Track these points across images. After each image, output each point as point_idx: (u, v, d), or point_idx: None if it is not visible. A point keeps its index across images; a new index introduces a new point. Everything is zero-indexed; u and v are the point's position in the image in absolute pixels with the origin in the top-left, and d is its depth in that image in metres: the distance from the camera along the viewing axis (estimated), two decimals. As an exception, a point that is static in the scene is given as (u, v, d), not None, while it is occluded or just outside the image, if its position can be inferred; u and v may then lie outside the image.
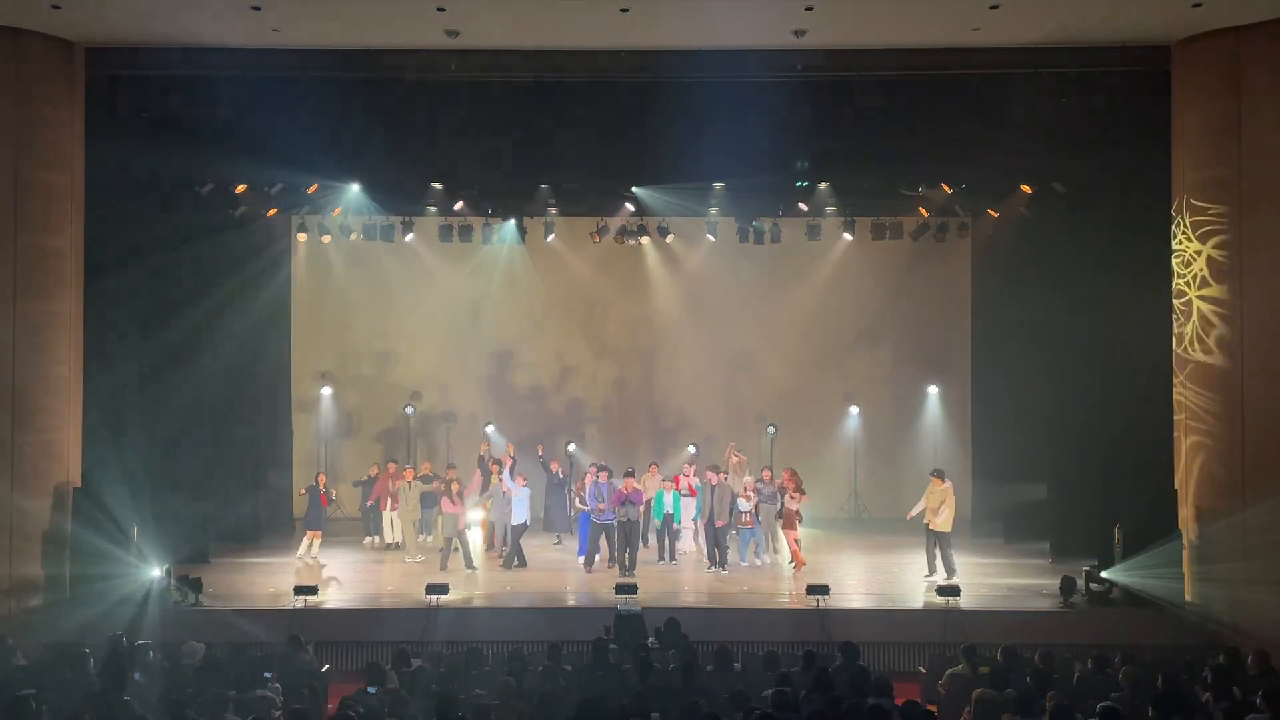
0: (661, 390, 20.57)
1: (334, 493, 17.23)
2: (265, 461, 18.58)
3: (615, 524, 15.34)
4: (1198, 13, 12.72)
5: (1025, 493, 17.22)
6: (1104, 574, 13.53)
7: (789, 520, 15.51)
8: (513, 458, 17.33)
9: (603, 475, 15.61)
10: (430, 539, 16.48)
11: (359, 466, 19.01)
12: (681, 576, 15.18)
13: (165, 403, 15.56)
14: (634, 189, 16.88)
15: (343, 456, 20.19)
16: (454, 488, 15.62)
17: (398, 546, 16.95)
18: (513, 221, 18.51)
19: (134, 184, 14.69)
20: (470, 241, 18.55)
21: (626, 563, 15.11)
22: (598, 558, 15.59)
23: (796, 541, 15.52)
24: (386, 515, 17.21)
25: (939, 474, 15.08)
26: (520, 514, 15.76)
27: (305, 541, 16.21)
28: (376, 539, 17.42)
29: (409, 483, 16.41)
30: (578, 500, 16.33)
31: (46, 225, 13.63)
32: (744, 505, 15.60)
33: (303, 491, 16.89)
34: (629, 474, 15.56)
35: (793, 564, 15.47)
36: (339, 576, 15.21)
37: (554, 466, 18.09)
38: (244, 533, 17.33)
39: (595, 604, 13.40)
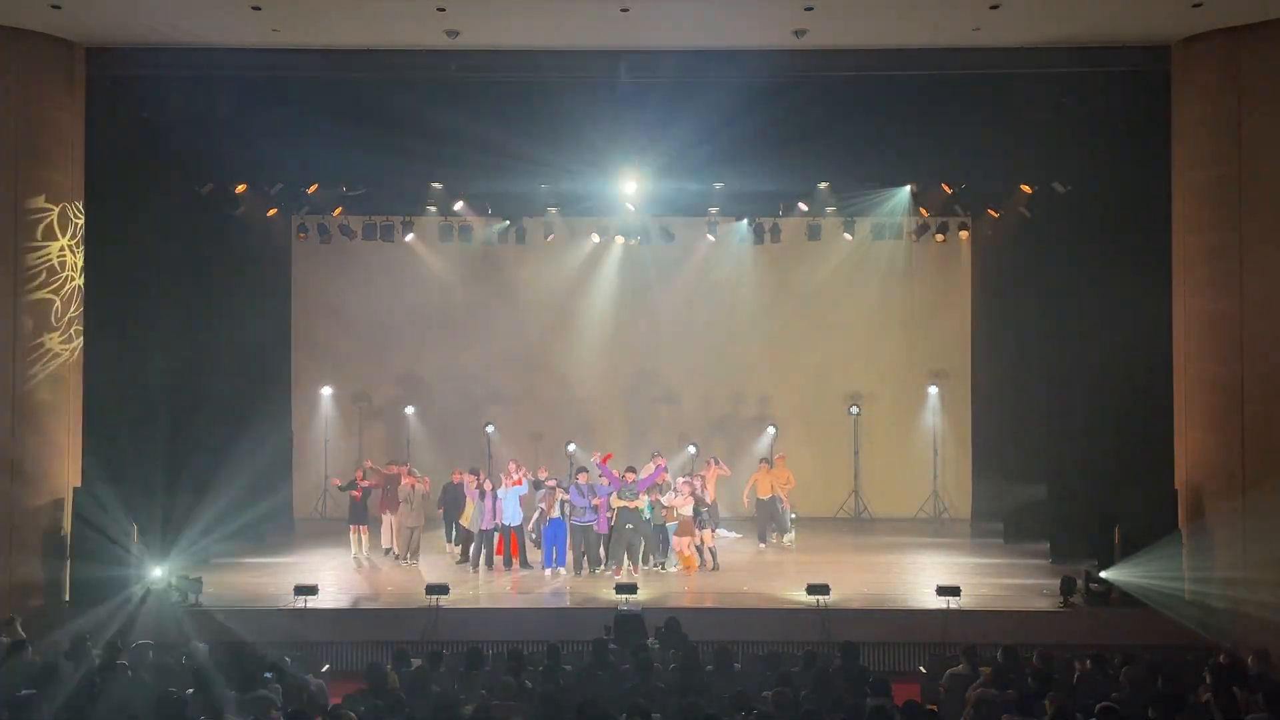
0: (661, 391, 20.55)
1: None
2: (265, 462, 18.50)
3: (593, 527, 15.16)
4: (1198, 13, 12.72)
5: (1025, 493, 17.21)
6: (1104, 574, 13.52)
7: (684, 527, 15.14)
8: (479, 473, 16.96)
9: (582, 476, 15.37)
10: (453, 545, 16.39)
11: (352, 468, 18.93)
12: (681, 577, 15.15)
13: (165, 402, 15.55)
14: (634, 189, 16.89)
15: (343, 457, 20.15)
16: (487, 486, 15.57)
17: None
18: (508, 222, 18.51)
19: (134, 184, 14.67)
20: (470, 241, 18.54)
21: (626, 563, 15.06)
22: (560, 563, 15.31)
23: (694, 548, 15.22)
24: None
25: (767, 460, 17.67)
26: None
27: (354, 539, 16.06)
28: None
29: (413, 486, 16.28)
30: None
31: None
32: (665, 499, 15.38)
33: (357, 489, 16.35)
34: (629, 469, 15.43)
35: (681, 569, 15.23)
36: (340, 577, 15.18)
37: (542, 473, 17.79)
38: (244, 533, 17.24)
39: (595, 604, 13.39)
